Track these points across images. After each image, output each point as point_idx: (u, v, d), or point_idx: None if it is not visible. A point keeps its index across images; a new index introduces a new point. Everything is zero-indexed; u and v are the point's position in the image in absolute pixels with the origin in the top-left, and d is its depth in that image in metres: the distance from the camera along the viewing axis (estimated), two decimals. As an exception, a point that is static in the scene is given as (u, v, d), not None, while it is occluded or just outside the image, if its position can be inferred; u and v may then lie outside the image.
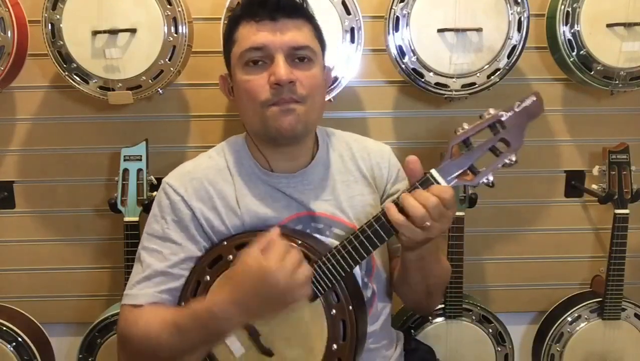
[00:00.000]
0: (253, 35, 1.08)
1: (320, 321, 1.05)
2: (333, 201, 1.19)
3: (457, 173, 0.97)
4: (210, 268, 1.11)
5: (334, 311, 1.04)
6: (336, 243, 1.15)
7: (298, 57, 1.09)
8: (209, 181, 1.15)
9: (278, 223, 1.14)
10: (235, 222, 1.14)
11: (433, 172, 0.98)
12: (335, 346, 1.04)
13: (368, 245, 1.01)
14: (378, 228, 1.00)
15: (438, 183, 0.97)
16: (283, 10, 1.08)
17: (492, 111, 0.97)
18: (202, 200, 1.14)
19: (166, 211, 1.14)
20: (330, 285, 1.03)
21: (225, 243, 1.12)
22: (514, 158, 0.96)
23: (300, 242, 1.06)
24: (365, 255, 1.02)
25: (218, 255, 1.11)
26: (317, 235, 1.16)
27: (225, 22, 1.53)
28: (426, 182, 0.98)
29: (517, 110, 0.96)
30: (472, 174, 0.98)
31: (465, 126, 0.97)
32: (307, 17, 1.13)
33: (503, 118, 0.96)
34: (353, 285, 1.09)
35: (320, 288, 1.03)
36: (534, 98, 0.96)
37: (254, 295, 0.95)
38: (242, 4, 1.12)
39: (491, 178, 0.97)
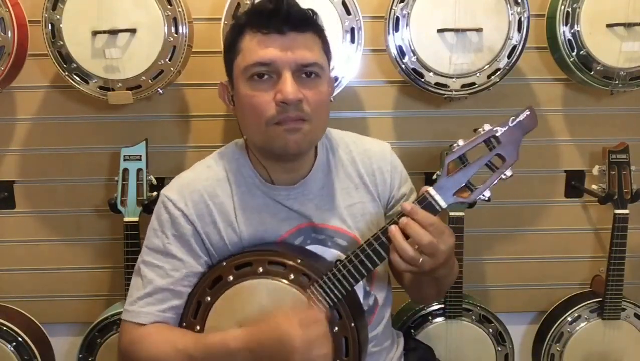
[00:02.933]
0: (260, 49, 1.03)
1: None
2: (333, 210, 1.17)
3: (454, 191, 0.98)
4: (210, 288, 1.09)
5: (336, 328, 1.04)
6: (337, 253, 1.15)
7: (305, 72, 1.04)
8: (209, 194, 1.13)
9: (279, 239, 1.13)
10: (233, 238, 1.13)
11: (431, 190, 0.98)
12: None
13: (368, 263, 1.01)
14: (377, 246, 1.00)
15: (436, 201, 0.98)
16: (293, 24, 1.03)
17: (486, 127, 0.97)
18: (202, 214, 1.12)
19: (166, 226, 1.11)
20: (332, 304, 1.03)
21: (224, 263, 1.10)
22: (509, 174, 0.97)
23: (300, 260, 1.06)
24: (365, 274, 1.02)
25: (218, 275, 1.09)
26: (318, 246, 1.15)
27: (226, 22, 1.53)
28: (424, 200, 0.98)
29: (511, 125, 0.97)
30: (469, 191, 0.98)
31: (461, 142, 0.97)
32: (317, 30, 1.08)
33: (497, 134, 0.97)
34: (354, 301, 1.08)
35: (322, 306, 1.02)
36: (528, 113, 0.97)
37: (267, 349, 0.96)
38: (248, 12, 1.07)
39: (487, 194, 0.98)
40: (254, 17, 1.05)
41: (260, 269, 1.06)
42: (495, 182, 0.98)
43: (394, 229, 0.97)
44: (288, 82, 1.02)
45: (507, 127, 0.97)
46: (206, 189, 1.13)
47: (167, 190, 1.14)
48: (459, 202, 0.99)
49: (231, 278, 1.08)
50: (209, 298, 1.09)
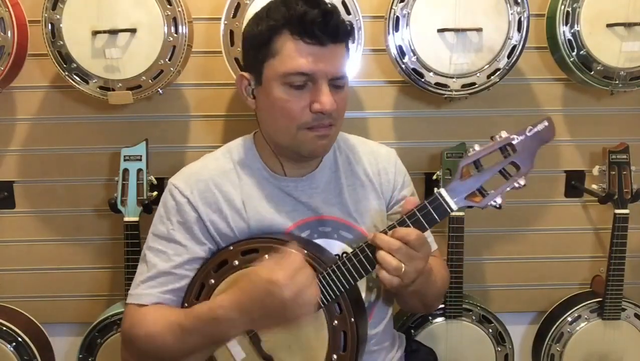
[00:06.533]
0: (301, 58, 1.03)
1: (321, 332, 1.05)
2: (340, 204, 1.19)
3: (466, 194, 0.98)
4: (215, 272, 1.11)
5: (335, 322, 1.04)
6: (343, 245, 1.16)
7: (336, 84, 1.07)
8: (215, 183, 1.15)
9: (285, 231, 1.14)
10: (241, 225, 1.14)
11: (442, 191, 0.98)
12: (335, 356, 1.04)
13: (374, 258, 1.01)
14: None
15: (447, 202, 0.98)
16: (335, 37, 1.04)
17: (503, 134, 0.98)
18: (208, 203, 1.14)
19: (172, 212, 1.14)
20: (334, 297, 1.03)
21: (231, 248, 1.11)
22: (522, 182, 0.98)
23: (306, 252, 1.05)
24: (370, 270, 1.02)
25: (224, 259, 1.11)
26: (325, 239, 1.16)
27: (226, 22, 1.53)
28: (434, 201, 0.98)
29: (528, 134, 0.97)
30: (480, 196, 0.99)
31: (477, 147, 0.98)
32: (348, 42, 1.10)
33: (514, 142, 0.97)
34: (355, 296, 1.08)
35: (324, 299, 1.03)
36: (546, 124, 0.98)
37: (258, 304, 0.96)
38: (288, 14, 1.03)
39: (499, 200, 0.98)
40: (297, 23, 1.02)
41: (266, 256, 1.06)
42: (508, 189, 0.98)
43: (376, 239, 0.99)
44: (327, 93, 1.04)
45: (524, 136, 0.97)
46: (213, 179, 1.15)
47: (174, 179, 1.17)
48: (469, 205, 0.99)
49: (236, 262, 1.09)
50: (212, 281, 1.10)
